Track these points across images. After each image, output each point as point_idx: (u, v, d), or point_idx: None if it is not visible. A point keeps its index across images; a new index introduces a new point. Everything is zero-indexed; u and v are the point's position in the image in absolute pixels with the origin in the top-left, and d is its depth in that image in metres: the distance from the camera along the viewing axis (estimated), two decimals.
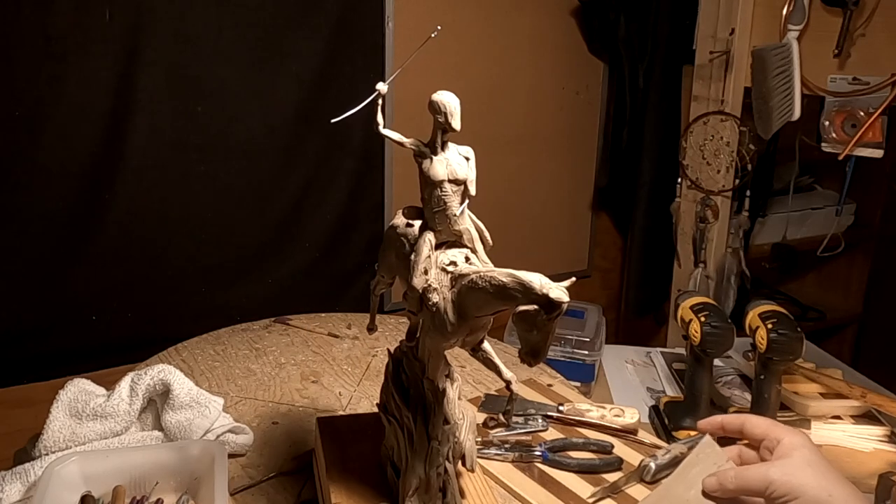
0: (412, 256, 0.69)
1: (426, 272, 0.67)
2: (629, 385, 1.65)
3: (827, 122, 1.66)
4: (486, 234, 0.72)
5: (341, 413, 1.09)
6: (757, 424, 0.70)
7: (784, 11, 1.66)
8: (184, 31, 1.67)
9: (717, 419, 0.75)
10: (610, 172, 2.52)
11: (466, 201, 0.69)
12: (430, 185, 0.68)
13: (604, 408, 1.07)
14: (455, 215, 0.68)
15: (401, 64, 0.57)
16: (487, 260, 0.71)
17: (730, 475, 0.66)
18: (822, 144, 1.69)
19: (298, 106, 1.86)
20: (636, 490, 0.92)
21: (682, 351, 1.68)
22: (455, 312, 0.66)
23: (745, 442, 0.73)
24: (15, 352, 1.63)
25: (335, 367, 1.24)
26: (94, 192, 1.65)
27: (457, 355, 1.22)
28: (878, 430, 1.35)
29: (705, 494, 0.66)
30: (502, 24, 2.14)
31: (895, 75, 1.57)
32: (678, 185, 2.03)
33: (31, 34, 1.51)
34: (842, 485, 0.61)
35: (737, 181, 1.92)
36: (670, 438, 1.26)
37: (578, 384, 1.56)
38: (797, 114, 1.66)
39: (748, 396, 1.40)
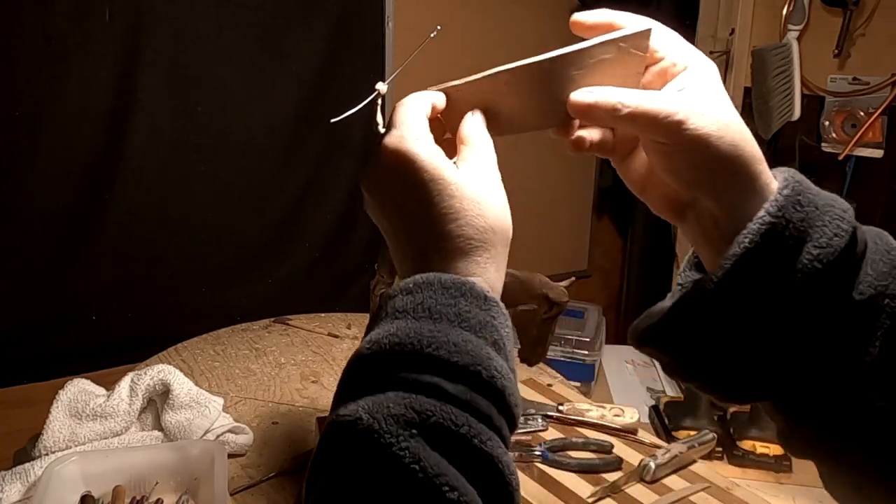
0: None
1: None
2: (629, 385, 1.65)
3: (827, 122, 1.66)
4: None
5: None
6: (664, 38, 0.49)
7: (784, 11, 1.66)
8: (184, 31, 1.67)
9: (604, 15, 0.50)
10: (613, 172, 2.52)
11: None
12: None
13: (604, 408, 1.07)
14: None
15: (401, 64, 0.56)
16: None
17: (632, 94, 0.46)
18: (822, 144, 1.69)
19: (298, 106, 1.86)
20: (636, 490, 0.92)
21: None
22: None
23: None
24: (15, 352, 1.63)
25: (335, 367, 1.24)
26: (94, 192, 1.65)
27: None
28: None
29: (579, 107, 0.48)
30: (502, 24, 2.14)
31: (895, 75, 1.57)
32: None
33: (31, 34, 1.51)
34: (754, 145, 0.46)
35: None
36: (670, 438, 1.26)
37: (578, 384, 1.56)
38: (797, 114, 1.66)
39: None
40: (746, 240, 0.43)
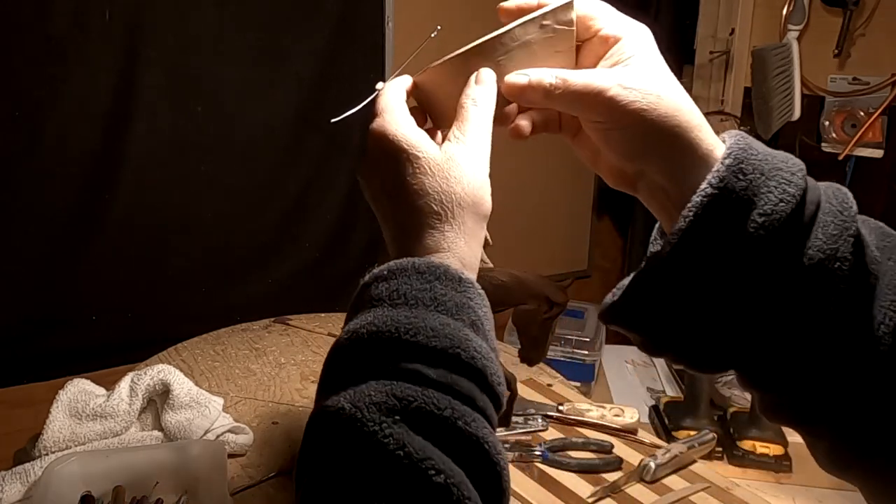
0: None
1: None
2: (629, 385, 1.65)
3: (827, 122, 1.66)
4: (487, 234, 0.72)
5: None
6: (594, 8, 0.49)
7: (784, 11, 1.66)
8: (184, 31, 1.67)
9: None
10: None
11: None
12: None
13: (604, 407, 1.07)
14: None
15: (401, 64, 0.57)
16: (487, 260, 0.71)
17: (563, 74, 0.47)
18: (822, 144, 1.69)
19: (298, 106, 1.85)
20: (636, 490, 0.92)
21: None
22: None
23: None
24: (15, 352, 1.63)
25: None
26: (94, 192, 1.65)
27: None
28: None
29: (513, 91, 0.49)
30: (502, 24, 2.14)
31: (895, 75, 1.57)
32: None
33: (31, 34, 1.51)
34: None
35: None
36: (670, 438, 1.26)
37: (578, 384, 1.56)
38: (797, 114, 1.66)
39: (748, 396, 1.40)
40: (690, 213, 0.43)
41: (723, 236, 0.42)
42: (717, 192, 0.42)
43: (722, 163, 0.43)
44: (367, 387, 0.39)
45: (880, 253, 0.44)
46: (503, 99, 0.50)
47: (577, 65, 0.50)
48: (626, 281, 0.47)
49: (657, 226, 0.52)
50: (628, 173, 0.50)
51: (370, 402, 0.38)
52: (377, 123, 0.49)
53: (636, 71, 0.46)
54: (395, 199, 0.48)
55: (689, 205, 0.43)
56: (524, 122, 0.52)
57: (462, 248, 0.47)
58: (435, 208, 0.46)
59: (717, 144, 0.45)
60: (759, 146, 0.45)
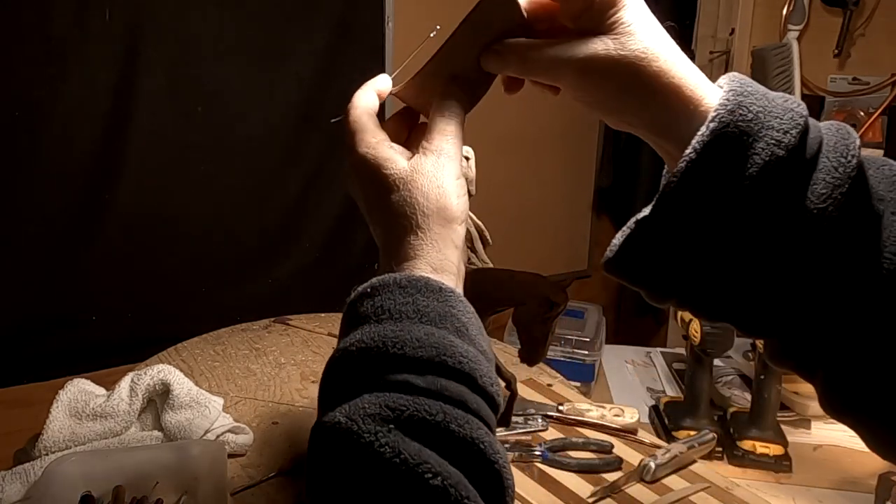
0: None
1: None
2: (629, 385, 1.65)
3: None
4: (486, 233, 0.72)
5: None
6: None
7: (784, 11, 1.66)
8: (184, 31, 1.67)
9: None
10: (613, 172, 2.52)
11: None
12: None
13: (604, 408, 1.07)
14: None
15: (401, 64, 0.57)
16: (487, 259, 0.71)
17: (520, 46, 0.50)
18: None
19: (298, 106, 1.85)
20: (636, 490, 0.92)
21: (682, 351, 1.68)
22: None
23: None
24: (15, 352, 1.62)
25: None
26: (94, 193, 1.65)
27: None
28: None
29: (493, 67, 0.52)
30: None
31: (895, 75, 1.57)
32: None
33: (31, 34, 1.51)
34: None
35: None
36: (670, 438, 1.26)
37: (578, 384, 1.56)
38: None
39: (748, 396, 1.40)
40: (690, 155, 0.43)
41: (725, 173, 0.42)
42: (719, 130, 0.42)
43: (722, 103, 0.43)
44: (360, 400, 0.41)
45: (885, 188, 0.44)
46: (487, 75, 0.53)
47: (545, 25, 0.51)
48: (629, 226, 0.48)
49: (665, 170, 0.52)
50: (615, 114, 0.50)
51: (364, 414, 0.40)
52: (348, 145, 0.53)
53: (601, 28, 0.46)
54: (373, 217, 0.52)
55: (687, 149, 0.43)
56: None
57: (432, 254, 0.48)
58: (402, 221, 0.49)
59: (706, 90, 0.45)
60: (757, 86, 0.45)
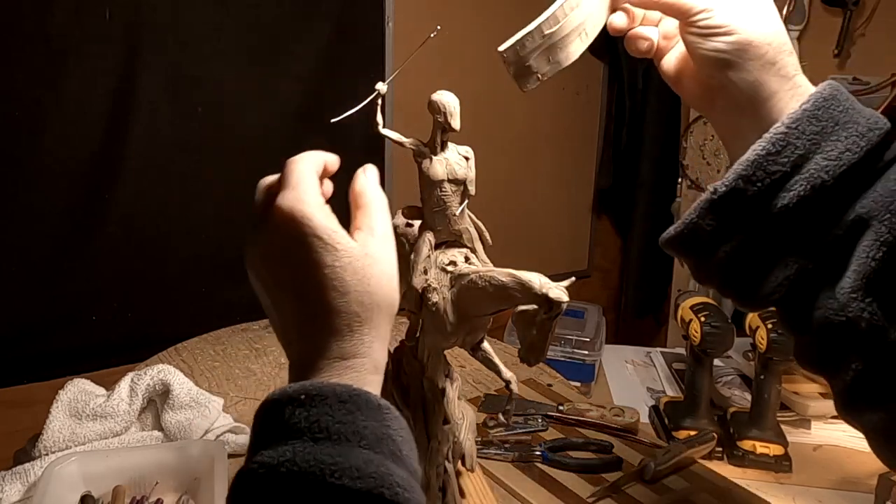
0: (412, 256, 0.69)
1: (426, 272, 0.67)
2: (629, 385, 1.65)
3: None
4: (486, 233, 0.72)
5: None
6: None
7: (784, 11, 1.66)
8: (184, 30, 1.67)
9: None
10: (613, 172, 2.52)
11: (466, 201, 0.69)
12: (429, 185, 0.68)
13: (604, 408, 1.07)
14: (455, 215, 0.68)
15: (401, 64, 0.57)
16: (487, 260, 0.71)
17: None
18: None
19: (298, 106, 1.85)
20: (636, 490, 0.92)
21: (682, 351, 1.68)
22: (454, 312, 0.66)
23: None
24: (15, 352, 1.63)
25: None
26: (94, 192, 1.65)
27: (457, 355, 1.22)
28: None
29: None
30: (502, 24, 2.14)
31: (895, 75, 1.57)
32: (678, 185, 2.04)
33: (31, 34, 1.51)
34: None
35: None
36: (670, 438, 1.26)
37: (578, 384, 1.56)
38: None
39: (748, 396, 1.39)
40: (759, 146, 0.47)
41: (787, 172, 0.46)
42: (788, 131, 0.46)
43: (801, 106, 0.47)
44: None
45: None
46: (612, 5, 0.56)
47: None
48: (696, 205, 0.50)
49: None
50: (712, 86, 0.52)
51: None
52: (290, 199, 0.45)
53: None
54: (304, 294, 0.44)
55: (759, 140, 0.47)
56: (649, 34, 0.56)
57: (378, 352, 0.46)
58: (355, 309, 0.44)
59: (803, 78, 0.50)
60: (845, 97, 0.48)
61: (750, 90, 0.49)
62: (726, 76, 0.50)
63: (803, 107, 0.47)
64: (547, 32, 0.56)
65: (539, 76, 0.58)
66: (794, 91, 0.49)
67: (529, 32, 0.57)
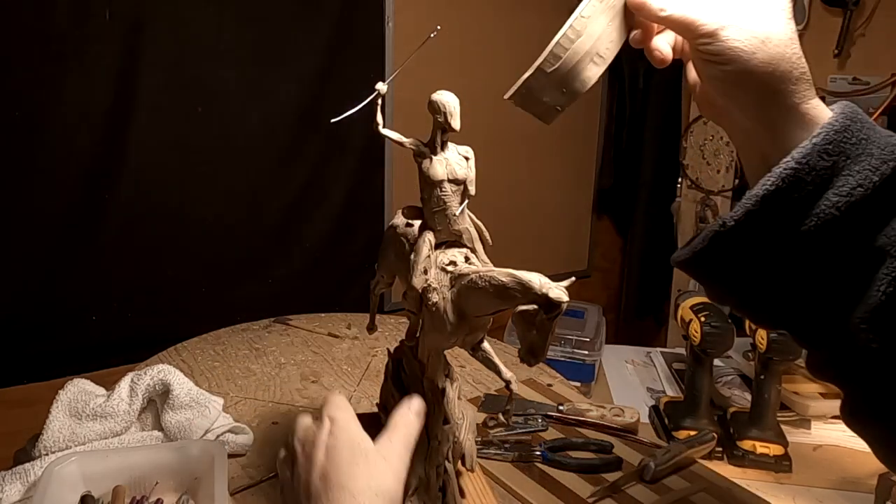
0: (412, 256, 0.69)
1: (426, 272, 0.67)
2: (629, 385, 1.65)
3: None
4: (486, 233, 0.72)
5: None
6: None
7: None
8: (184, 30, 1.67)
9: None
10: (613, 173, 2.52)
11: (466, 201, 0.69)
12: (429, 185, 0.68)
13: (604, 408, 1.07)
14: (455, 215, 0.68)
15: (401, 64, 0.57)
16: (487, 260, 0.71)
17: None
18: None
19: (298, 106, 1.86)
20: (636, 490, 0.92)
21: (682, 351, 1.68)
22: (454, 312, 0.66)
23: None
24: (15, 352, 1.63)
25: (335, 367, 1.24)
26: (94, 192, 1.65)
27: (457, 355, 1.22)
28: None
29: (634, 5, 0.54)
30: (502, 24, 2.14)
31: (895, 75, 1.57)
32: (678, 185, 2.04)
33: (31, 34, 1.51)
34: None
35: (737, 181, 1.91)
36: (670, 438, 1.26)
37: (578, 384, 1.56)
38: None
39: (748, 396, 1.39)
40: (768, 182, 0.46)
41: (797, 208, 0.45)
42: (798, 167, 0.45)
43: (811, 140, 0.46)
44: None
45: None
46: (629, 22, 0.55)
47: None
48: (704, 234, 0.50)
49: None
50: (718, 105, 0.52)
51: None
52: (342, 419, 0.58)
53: (750, 9, 0.48)
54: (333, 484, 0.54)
55: (768, 175, 0.46)
56: (662, 46, 0.54)
57: None
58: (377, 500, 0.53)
59: (815, 103, 0.48)
60: (858, 128, 0.47)
61: (751, 117, 0.49)
62: (727, 101, 0.50)
63: (813, 140, 0.45)
64: (549, 71, 0.55)
65: (558, 108, 0.58)
66: (799, 121, 0.48)
67: (532, 75, 0.56)
